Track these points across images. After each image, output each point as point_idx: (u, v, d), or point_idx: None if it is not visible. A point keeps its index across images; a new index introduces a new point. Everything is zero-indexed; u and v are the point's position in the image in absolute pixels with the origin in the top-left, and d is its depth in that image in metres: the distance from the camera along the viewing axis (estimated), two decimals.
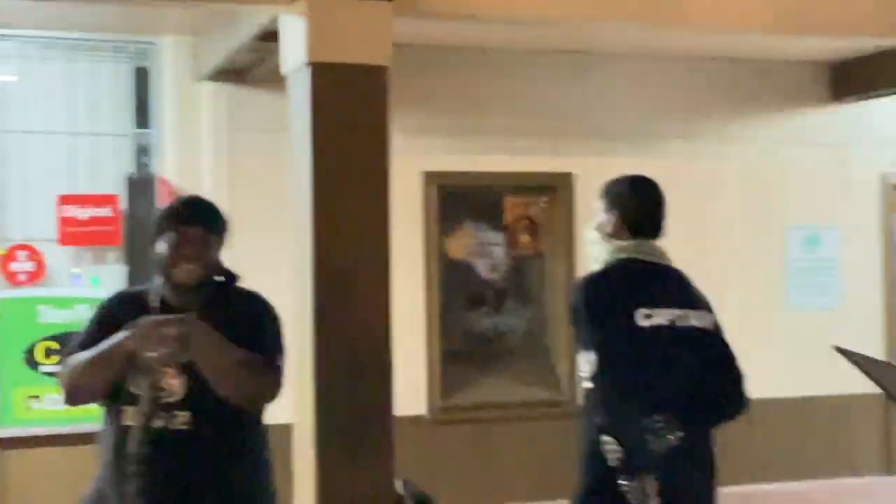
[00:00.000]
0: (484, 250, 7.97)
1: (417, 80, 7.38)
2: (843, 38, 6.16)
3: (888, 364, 2.41)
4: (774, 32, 5.77)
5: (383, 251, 4.30)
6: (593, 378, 3.06)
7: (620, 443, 2.94)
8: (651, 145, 7.88)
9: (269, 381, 3.01)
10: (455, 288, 7.90)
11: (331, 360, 4.17)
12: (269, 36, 5.17)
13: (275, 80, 5.17)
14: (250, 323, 3.07)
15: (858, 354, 2.50)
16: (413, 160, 7.33)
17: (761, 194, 8.14)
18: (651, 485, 2.93)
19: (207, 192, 7.12)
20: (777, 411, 7.98)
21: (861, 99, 8.25)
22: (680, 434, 3.01)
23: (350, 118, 4.26)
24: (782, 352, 8.07)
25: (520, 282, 8.08)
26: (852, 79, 8.12)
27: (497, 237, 7.99)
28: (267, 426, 3.24)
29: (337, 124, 4.25)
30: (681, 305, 3.11)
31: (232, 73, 6.90)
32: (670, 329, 3.08)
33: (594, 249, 3.20)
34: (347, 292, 4.21)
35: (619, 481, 2.95)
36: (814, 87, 8.27)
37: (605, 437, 2.96)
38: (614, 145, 7.77)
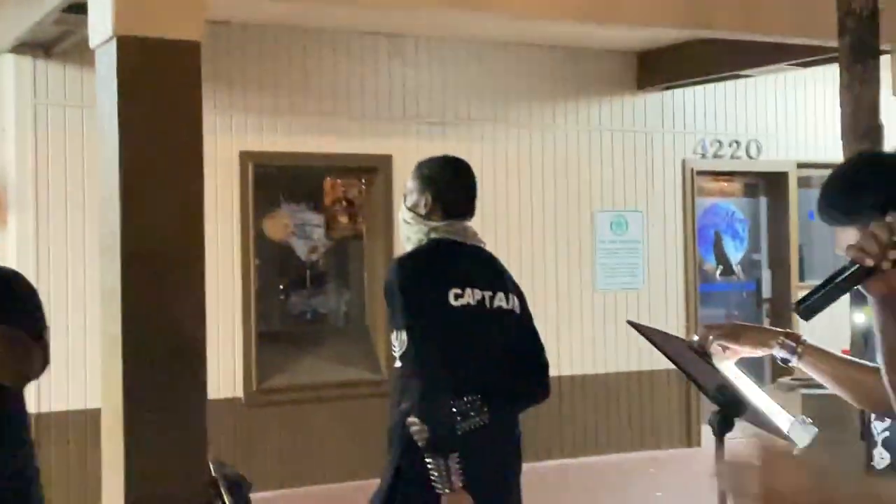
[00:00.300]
0: (302, 231, 7.93)
1: (236, 59, 7.27)
2: (648, 29, 6.41)
3: (679, 339, 2.53)
4: (585, 21, 5.96)
5: (196, 233, 4.22)
6: (403, 357, 3.09)
7: (427, 422, 2.97)
8: (467, 128, 8.01)
9: (35, 356, 2.97)
10: (273, 269, 7.84)
11: (140, 344, 4.07)
12: (77, 8, 4.98)
13: (83, 54, 5.00)
14: (8, 299, 3.01)
15: (651, 329, 2.61)
16: (229, 139, 7.22)
17: (572, 178, 8.40)
18: (455, 464, 2.98)
19: (9, 166, 6.81)
20: (586, 387, 8.29)
21: (665, 88, 8.62)
22: (487, 414, 3.07)
23: (160, 95, 4.15)
24: (592, 330, 8.37)
25: (339, 263, 8.09)
26: (657, 68, 8.47)
27: (316, 218, 7.97)
28: (27, 410, 3.20)
29: (146, 101, 4.13)
30: (490, 286, 3.16)
31: (37, 46, 6.61)
32: (480, 309, 3.13)
33: (407, 229, 3.23)
34: (158, 275, 4.11)
35: (425, 460, 2.98)
36: (622, 75, 8.59)
37: (411, 418, 2.99)
38: (432, 128, 7.87)
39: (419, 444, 3.01)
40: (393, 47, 7.77)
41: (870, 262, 1.74)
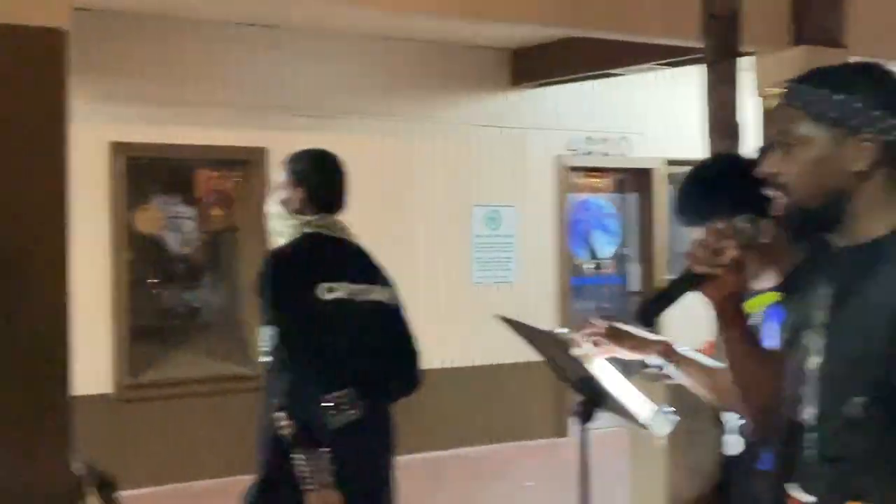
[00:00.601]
0: (175, 224, 7.80)
1: (106, 47, 7.09)
2: (521, 26, 6.51)
3: (546, 332, 2.59)
4: (459, 17, 6.01)
5: (60, 226, 4.09)
6: (273, 352, 3.08)
7: (295, 418, 2.97)
8: (343, 122, 8.00)
9: None
10: (144, 263, 7.68)
11: (0, 343, 3.93)
12: None
13: None
14: None
15: (519, 323, 2.68)
16: (99, 130, 7.04)
17: (449, 174, 8.47)
18: (325, 459, 2.98)
19: None
20: (460, 380, 8.37)
21: (538, 85, 8.76)
22: (361, 407, 3.08)
23: (23, 83, 4.01)
24: (468, 323, 8.46)
25: (213, 256, 7.98)
26: (531, 66, 8.61)
27: (188, 211, 7.84)
28: None
29: (7, 89, 4.00)
30: (362, 280, 3.18)
31: None
32: (351, 303, 3.14)
33: (277, 223, 3.22)
34: (20, 271, 3.98)
35: (294, 456, 2.98)
36: (497, 72, 8.69)
37: (279, 414, 2.98)
38: (308, 120, 7.82)
39: (287, 439, 3.00)
40: (268, 39, 7.70)
41: (701, 269, 1.82)
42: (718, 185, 2.45)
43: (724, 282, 1.83)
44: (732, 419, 2.58)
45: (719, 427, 2.62)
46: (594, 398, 2.50)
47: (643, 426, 2.41)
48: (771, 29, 6.46)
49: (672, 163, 9.53)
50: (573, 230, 9.20)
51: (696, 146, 9.51)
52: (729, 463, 2.59)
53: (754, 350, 1.92)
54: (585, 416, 2.49)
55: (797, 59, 6.49)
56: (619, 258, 9.63)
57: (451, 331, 8.30)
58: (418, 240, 8.27)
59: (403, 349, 3.30)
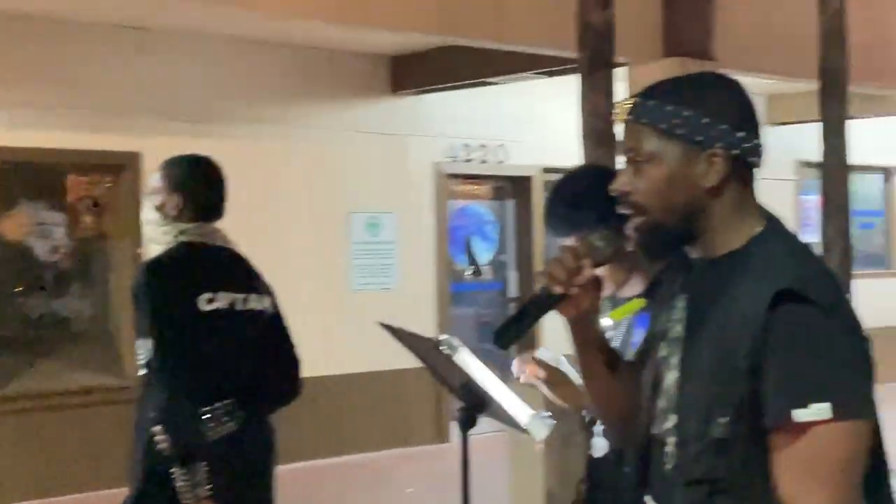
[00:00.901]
0: (43, 231, 7.55)
1: None
2: (401, 34, 6.52)
3: (427, 339, 2.60)
4: (337, 22, 5.99)
5: None
6: (148, 364, 3.01)
7: (170, 431, 2.91)
8: (219, 127, 7.87)
9: None
10: (10, 271, 7.41)
11: None
12: None
13: None
14: None
15: (400, 330, 2.68)
16: None
17: (327, 180, 8.42)
18: (202, 472, 2.93)
19: None
20: (340, 387, 8.32)
21: (417, 93, 8.79)
22: (240, 418, 3.04)
23: None
24: (348, 331, 8.42)
25: (84, 264, 7.75)
26: (411, 73, 8.63)
27: (57, 217, 7.60)
28: None
29: None
30: (242, 289, 3.13)
31: None
32: (231, 312, 3.09)
33: (153, 231, 3.14)
34: None
35: (171, 470, 2.93)
36: (375, 78, 8.68)
37: (156, 427, 2.92)
38: (183, 125, 7.67)
39: (164, 453, 2.94)
40: (142, 41, 7.52)
41: (559, 290, 1.76)
42: (585, 196, 2.50)
43: (580, 300, 1.79)
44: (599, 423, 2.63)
45: (587, 430, 2.68)
46: (476, 404, 2.51)
47: (524, 431, 2.44)
48: (644, 40, 6.63)
49: (549, 170, 9.68)
50: (452, 237, 9.26)
51: (572, 154, 9.69)
52: (596, 465, 2.65)
53: (611, 365, 1.88)
54: (467, 422, 2.51)
55: (668, 71, 6.66)
56: (498, 264, 9.73)
57: (331, 338, 8.25)
58: (297, 247, 8.19)
59: (284, 358, 3.26)
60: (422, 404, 8.83)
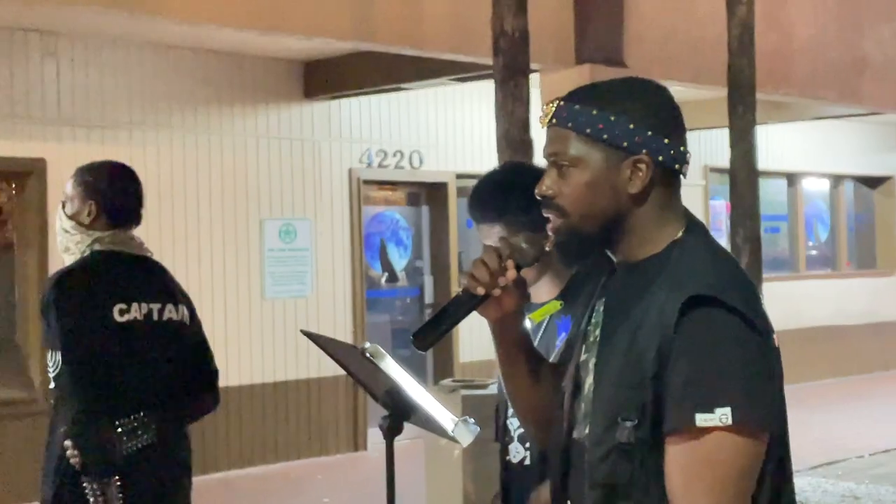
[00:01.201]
0: None
1: None
2: (314, 39, 6.47)
3: (351, 346, 2.57)
4: (250, 28, 5.93)
5: None
6: (58, 378, 2.93)
7: (81, 446, 2.84)
8: (128, 133, 7.72)
9: None
10: None
11: None
12: None
13: None
14: None
15: (323, 337, 2.64)
16: None
17: (239, 187, 8.31)
18: (114, 486, 2.87)
19: None
20: (254, 397, 8.22)
21: (331, 98, 8.75)
22: (154, 431, 2.97)
23: None
24: (261, 339, 8.33)
25: None
26: (324, 78, 8.58)
27: None
28: None
29: None
30: (159, 299, 3.05)
31: None
32: (147, 323, 3.02)
33: (67, 240, 3.04)
34: None
35: (83, 484, 2.85)
36: (288, 84, 8.61)
37: (67, 442, 2.84)
38: (90, 131, 7.51)
39: (76, 468, 2.87)
40: (47, 46, 7.34)
41: (481, 291, 1.73)
42: (513, 183, 2.51)
43: (504, 302, 1.76)
44: (514, 427, 2.64)
45: (503, 435, 2.68)
46: (401, 411, 2.49)
47: (450, 437, 2.42)
48: (556, 48, 6.70)
49: (463, 176, 9.72)
50: (368, 243, 9.23)
51: (486, 160, 9.76)
52: (512, 469, 2.65)
53: (534, 368, 1.87)
54: (393, 429, 2.48)
55: (580, 78, 6.75)
56: (413, 270, 9.72)
57: (245, 347, 8.15)
58: (209, 255, 8.08)
59: (202, 370, 3.20)
60: (337, 413, 8.77)
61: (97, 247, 3.02)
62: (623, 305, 1.67)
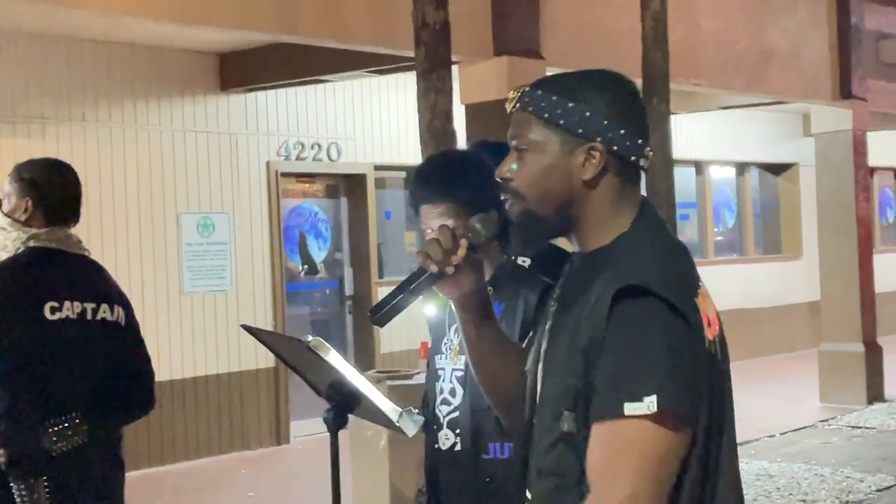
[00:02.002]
0: None
1: None
2: (231, 31, 6.41)
3: (296, 340, 2.58)
4: (170, 21, 5.86)
5: None
6: None
7: (9, 445, 2.81)
8: (40, 127, 7.57)
9: None
10: None
11: None
12: None
13: None
14: None
15: (265, 332, 2.66)
16: None
17: (156, 181, 8.21)
18: (41, 487, 2.84)
19: None
20: (175, 392, 8.14)
21: (248, 90, 8.68)
22: (87, 432, 2.94)
23: None
24: (180, 333, 8.25)
25: None
26: (240, 70, 8.51)
27: None
28: None
29: None
30: (93, 298, 3.02)
31: None
32: (81, 322, 2.98)
33: (4, 237, 2.99)
34: None
35: (10, 484, 2.82)
36: (204, 76, 8.53)
37: None
38: (3, 126, 7.34)
39: (3, 468, 2.84)
40: None
41: (434, 269, 1.77)
42: (458, 169, 2.57)
43: (460, 280, 1.80)
44: (443, 413, 2.69)
45: (433, 423, 2.73)
46: (346, 403, 2.52)
47: (395, 428, 2.46)
48: (475, 40, 6.75)
49: (382, 168, 9.74)
50: (287, 236, 9.19)
51: (405, 152, 9.82)
52: (442, 456, 2.70)
53: (499, 349, 1.90)
54: (337, 421, 2.51)
55: (497, 70, 6.82)
56: (333, 263, 9.71)
57: (164, 342, 8.06)
58: (126, 250, 7.96)
59: (136, 370, 3.17)
60: (260, 407, 8.73)
61: (32, 244, 2.98)
62: (572, 295, 1.71)
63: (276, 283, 8.88)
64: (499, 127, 7.16)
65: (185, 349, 8.26)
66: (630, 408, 1.54)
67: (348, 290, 9.63)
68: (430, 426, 2.71)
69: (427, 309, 2.64)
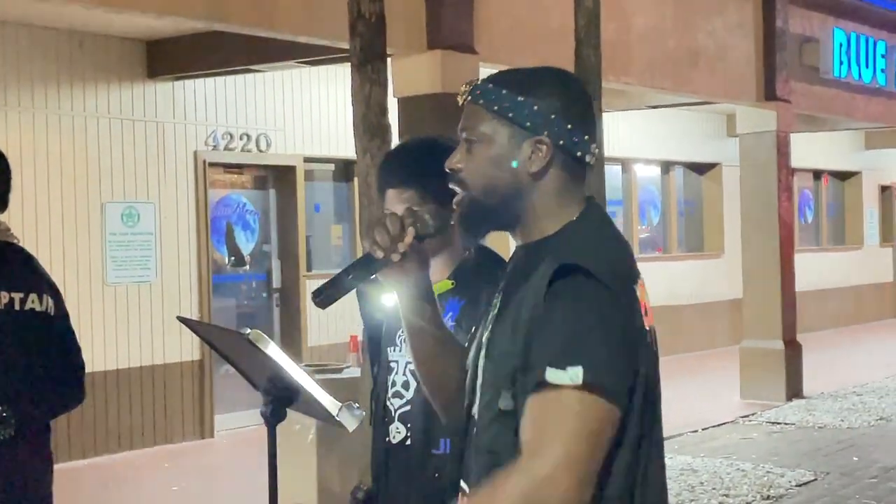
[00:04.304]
0: None
1: None
2: (160, 18, 6.29)
3: (235, 332, 2.54)
4: (98, 6, 5.73)
5: None
6: None
7: None
8: None
9: None
10: None
11: None
12: None
13: None
14: None
15: (203, 324, 2.62)
16: None
17: (80, 169, 8.04)
18: None
19: None
20: (96, 385, 7.98)
21: (175, 78, 8.54)
22: (13, 426, 2.86)
23: None
24: (103, 326, 8.09)
25: None
26: (168, 58, 8.37)
27: None
28: None
29: None
30: (21, 288, 2.94)
31: None
32: (8, 313, 2.90)
33: None
34: None
35: None
36: (130, 63, 8.37)
37: None
38: None
39: None
40: None
41: (380, 254, 1.79)
42: (427, 156, 2.57)
43: (404, 268, 1.82)
44: (395, 406, 2.67)
45: (382, 416, 2.71)
46: (284, 397, 2.49)
47: (335, 422, 2.44)
48: (409, 33, 6.72)
49: (311, 160, 9.66)
50: (214, 227, 9.06)
51: (335, 144, 9.75)
52: (392, 449, 2.69)
53: (440, 342, 1.91)
54: (275, 415, 2.48)
55: (431, 63, 6.80)
56: (260, 254, 9.61)
57: (86, 334, 7.88)
58: (48, 239, 7.78)
59: (66, 362, 3.10)
60: (184, 400, 8.61)
61: None
62: (515, 286, 1.74)
63: (203, 274, 8.76)
64: (431, 120, 7.19)
65: (107, 341, 8.11)
66: (552, 374, 1.57)
67: (276, 282, 9.54)
68: (381, 419, 2.69)
69: (385, 299, 2.62)
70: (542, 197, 1.74)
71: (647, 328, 1.71)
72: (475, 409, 1.76)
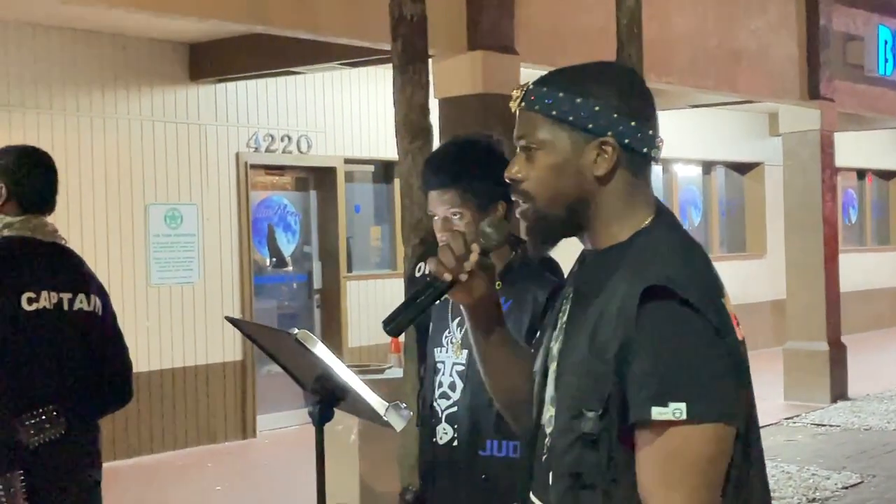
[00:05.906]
0: None
1: None
2: (203, 21, 6.34)
3: (283, 332, 2.55)
4: (140, 10, 5.78)
5: None
6: None
7: None
8: (8, 116, 7.46)
9: None
10: None
11: None
12: None
13: None
14: None
15: (251, 324, 2.63)
16: None
17: (124, 171, 8.12)
18: (18, 480, 2.79)
19: None
20: (141, 385, 8.04)
21: (218, 81, 8.59)
22: (64, 424, 2.89)
23: None
24: (149, 326, 8.16)
25: None
26: (210, 61, 8.43)
27: None
28: None
29: None
30: (70, 288, 2.96)
31: None
32: (57, 313, 2.93)
33: None
34: None
35: None
36: (172, 66, 8.44)
37: None
38: None
39: None
40: None
41: (448, 277, 1.74)
42: (470, 156, 2.58)
43: (472, 286, 1.77)
44: (442, 408, 2.67)
45: (431, 417, 2.71)
46: (331, 397, 2.50)
47: (383, 422, 2.44)
48: (449, 34, 6.72)
49: (352, 161, 9.69)
50: (255, 228, 9.12)
51: (375, 146, 9.78)
52: (439, 450, 2.69)
53: (509, 351, 1.88)
54: (323, 415, 2.49)
55: (472, 64, 6.79)
56: (301, 256, 9.65)
57: (130, 335, 7.90)
58: (93, 241, 7.86)
59: (114, 362, 3.12)
60: (227, 400, 8.66)
61: (7, 232, 2.93)
62: (588, 294, 1.67)
63: (244, 275, 8.81)
64: (472, 121, 7.19)
65: (151, 342, 8.18)
66: (657, 412, 1.53)
67: (317, 283, 9.58)
68: (428, 420, 2.70)
69: None
70: (610, 200, 1.66)
71: (741, 339, 1.65)
72: (545, 420, 1.71)
